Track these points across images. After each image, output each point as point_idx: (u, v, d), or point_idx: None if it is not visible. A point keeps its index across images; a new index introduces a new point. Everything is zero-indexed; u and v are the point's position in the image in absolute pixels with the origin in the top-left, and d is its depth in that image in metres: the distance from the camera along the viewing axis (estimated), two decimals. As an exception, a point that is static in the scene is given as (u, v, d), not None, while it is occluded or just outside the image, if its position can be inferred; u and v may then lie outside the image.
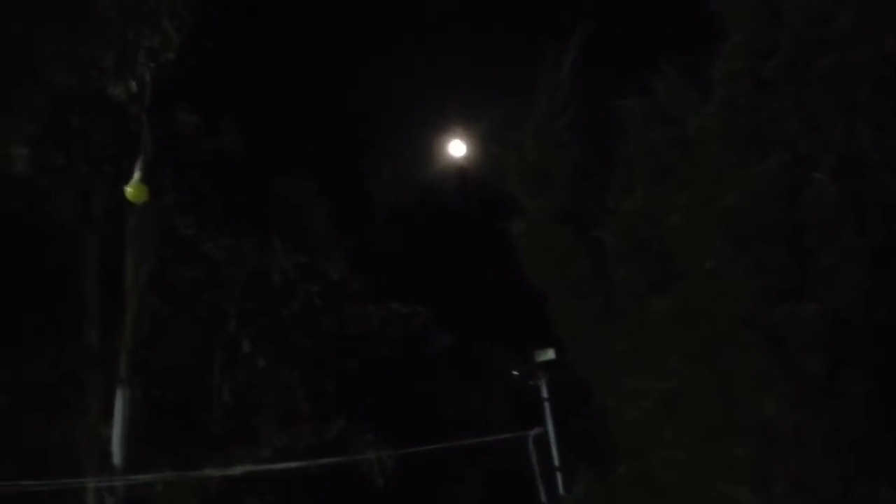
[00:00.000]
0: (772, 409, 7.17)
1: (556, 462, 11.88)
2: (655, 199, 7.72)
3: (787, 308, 7.14)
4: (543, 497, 11.81)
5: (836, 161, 7.07)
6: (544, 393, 12.30)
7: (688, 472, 7.54)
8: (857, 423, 7.03)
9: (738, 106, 7.33)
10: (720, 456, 7.42)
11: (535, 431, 12.16)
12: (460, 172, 13.03)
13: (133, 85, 11.25)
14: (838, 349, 6.99)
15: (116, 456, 10.85)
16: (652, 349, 7.69)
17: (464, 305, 12.62)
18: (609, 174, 8.16)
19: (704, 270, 7.40)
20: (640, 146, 7.89)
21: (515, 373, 12.39)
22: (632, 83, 7.97)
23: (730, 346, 7.33)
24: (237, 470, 11.21)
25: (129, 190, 9.57)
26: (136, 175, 9.71)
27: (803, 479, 7.21)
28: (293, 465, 11.58)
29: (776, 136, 7.20)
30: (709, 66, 7.53)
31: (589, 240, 8.14)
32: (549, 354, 12.22)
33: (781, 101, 7.20)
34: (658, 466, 7.69)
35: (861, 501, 7.11)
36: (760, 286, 7.23)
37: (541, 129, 8.39)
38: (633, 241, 7.86)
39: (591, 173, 8.34)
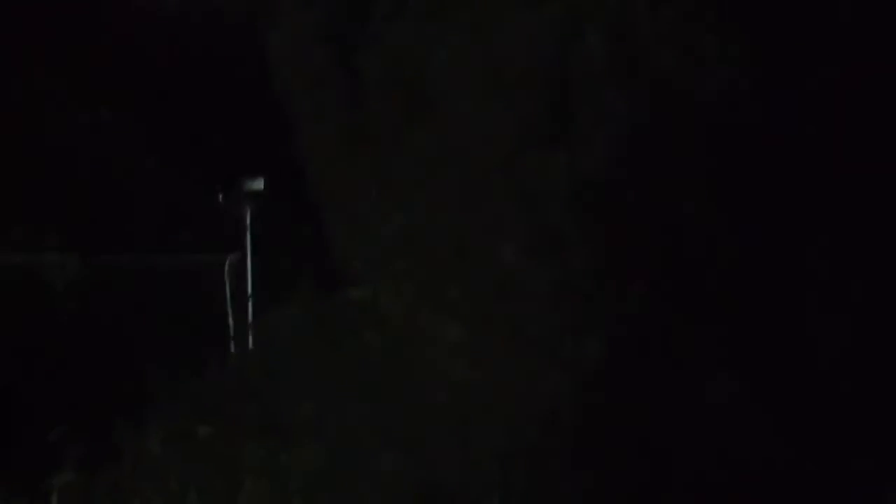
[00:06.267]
0: (508, 254, 7.58)
1: (251, 290, 12.08)
2: (423, 35, 7.91)
3: (539, 158, 7.53)
4: (231, 321, 11.99)
5: (609, 25, 7.45)
6: (247, 221, 12.42)
7: (415, 306, 7.88)
8: (587, 277, 7.53)
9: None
10: (449, 293, 7.80)
11: (231, 258, 12.29)
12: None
13: None
14: (584, 204, 7.45)
15: None
16: (399, 182, 7.96)
17: (172, 124, 12.47)
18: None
19: (464, 112, 7.69)
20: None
21: (221, 198, 12.43)
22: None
23: (478, 188, 7.68)
24: None
25: None
26: None
27: (524, 327, 7.68)
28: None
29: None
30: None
31: (347, 64, 8.27)
32: (258, 184, 12.35)
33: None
34: (387, 297, 7.99)
35: (572, 353, 7.65)
36: (517, 135, 7.58)
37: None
38: (395, 71, 8.04)
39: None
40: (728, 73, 7.35)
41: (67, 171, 12.09)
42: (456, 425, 7.74)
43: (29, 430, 9.32)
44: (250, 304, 11.88)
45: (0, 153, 11.78)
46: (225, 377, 9.22)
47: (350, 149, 8.31)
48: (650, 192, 7.52)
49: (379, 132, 8.13)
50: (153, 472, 8.35)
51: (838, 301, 7.78)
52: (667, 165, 7.50)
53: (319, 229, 9.00)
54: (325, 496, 7.87)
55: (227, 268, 11.92)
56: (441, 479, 7.64)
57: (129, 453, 8.45)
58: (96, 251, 11.58)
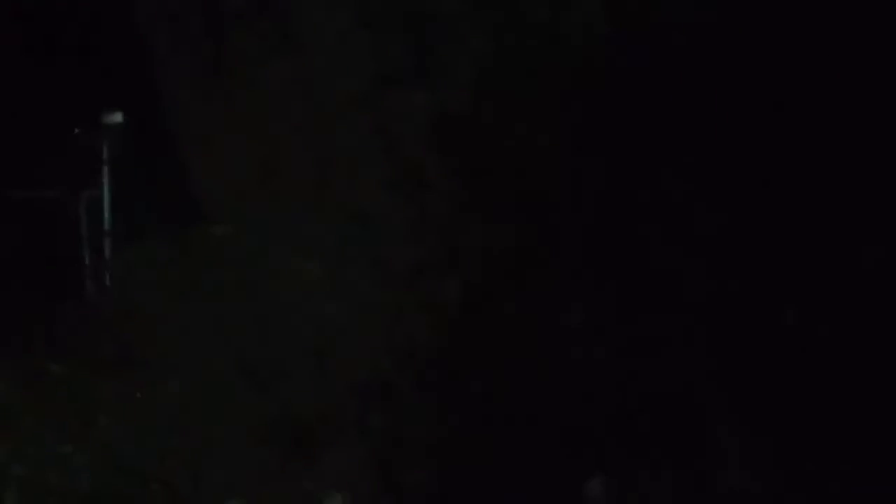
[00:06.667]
0: (369, 190, 7.62)
1: (108, 226, 11.83)
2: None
3: (399, 94, 7.55)
4: (87, 257, 11.74)
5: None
6: (105, 155, 12.15)
7: (276, 241, 7.88)
8: (447, 214, 7.60)
9: None
10: (310, 228, 7.81)
11: (88, 193, 12.03)
12: None
13: None
14: (443, 140, 7.50)
15: None
16: (257, 114, 7.92)
17: (28, 56, 12.16)
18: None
19: (325, 46, 7.67)
20: None
21: (78, 132, 12.15)
22: None
23: (339, 124, 7.68)
24: None
25: None
26: None
27: (384, 262, 7.73)
28: None
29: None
30: None
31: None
32: (117, 117, 12.08)
33: None
34: (247, 233, 7.97)
35: (431, 288, 7.73)
36: (378, 70, 7.60)
37: None
38: (257, 3, 7.97)
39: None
40: (591, 9, 7.43)
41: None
42: (315, 360, 7.77)
43: None
44: (107, 240, 11.71)
45: None
46: (80, 314, 9.10)
47: (210, 81, 8.24)
48: (510, 129, 7.58)
49: (240, 64, 8.08)
50: (4, 411, 8.23)
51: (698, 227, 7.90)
52: (526, 102, 7.57)
53: (180, 164, 8.92)
54: (183, 431, 7.82)
55: (83, 203, 11.71)
56: (300, 413, 7.67)
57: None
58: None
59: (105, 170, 11.99)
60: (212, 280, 8.33)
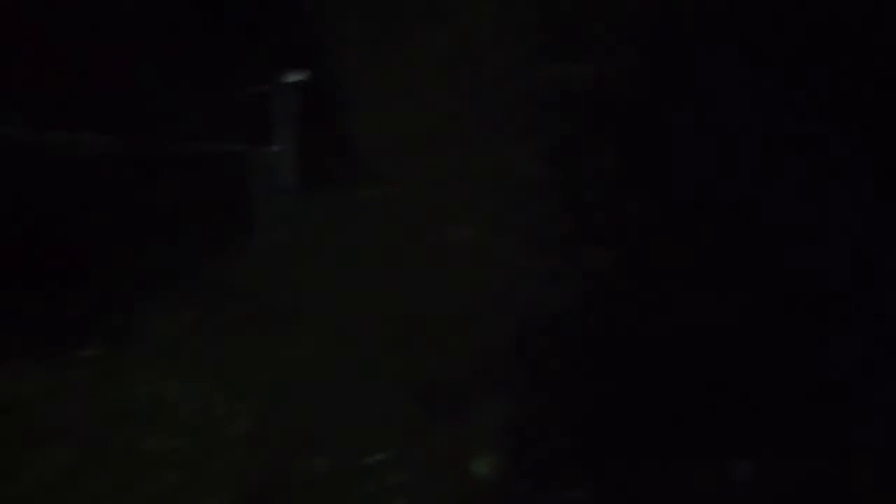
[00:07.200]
0: (523, 162, 7.70)
1: (286, 183, 12.11)
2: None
3: (556, 66, 7.61)
4: (263, 211, 12.04)
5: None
6: (286, 113, 12.43)
7: (430, 208, 8.02)
8: (600, 183, 7.63)
9: None
10: (463, 197, 7.94)
11: (273, 149, 12.30)
12: None
13: None
14: (604, 114, 7.53)
15: None
16: (418, 80, 8.06)
17: (220, 16, 12.48)
18: None
19: (485, 18, 7.79)
20: None
21: (259, 89, 12.42)
22: None
23: (495, 93, 7.79)
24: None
25: None
26: None
27: (536, 233, 7.81)
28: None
29: None
30: None
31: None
32: (299, 76, 12.32)
33: None
34: (402, 197, 8.13)
35: (583, 260, 7.78)
36: (538, 43, 7.67)
37: None
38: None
39: None
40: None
41: (109, 56, 12.13)
42: (465, 322, 7.87)
43: (52, 303, 9.42)
44: (276, 197, 11.99)
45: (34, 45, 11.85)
46: (248, 266, 9.35)
47: (377, 48, 8.42)
48: (672, 104, 7.56)
49: (402, 34, 8.24)
50: (173, 353, 8.49)
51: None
52: (690, 77, 7.52)
53: (347, 126, 9.13)
54: (331, 386, 7.99)
55: (255, 159, 12.00)
56: (448, 374, 7.76)
57: (151, 333, 8.58)
58: (139, 135, 11.63)
59: (277, 127, 12.30)
60: (370, 239, 8.52)
